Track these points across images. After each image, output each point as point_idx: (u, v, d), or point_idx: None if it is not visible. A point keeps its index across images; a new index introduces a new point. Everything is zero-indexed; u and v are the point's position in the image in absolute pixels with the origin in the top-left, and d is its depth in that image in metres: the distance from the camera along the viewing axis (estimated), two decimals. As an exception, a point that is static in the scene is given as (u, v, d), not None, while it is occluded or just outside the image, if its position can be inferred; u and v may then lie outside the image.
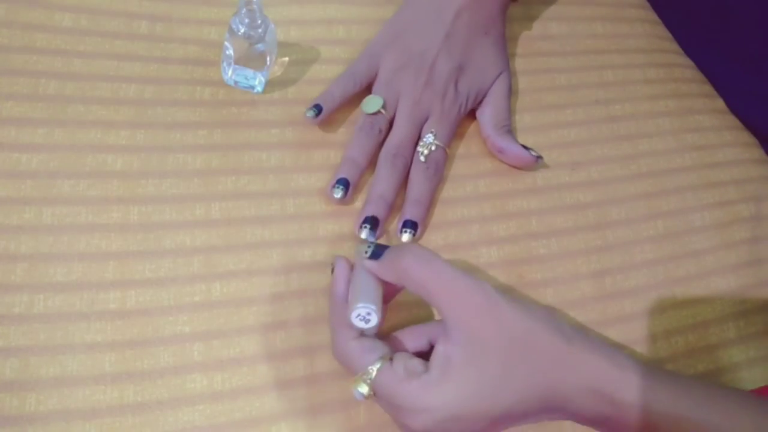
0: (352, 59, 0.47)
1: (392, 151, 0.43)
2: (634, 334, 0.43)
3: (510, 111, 0.48)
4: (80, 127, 0.41)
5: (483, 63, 0.47)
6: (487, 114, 0.47)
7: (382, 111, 0.44)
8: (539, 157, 0.45)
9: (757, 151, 0.53)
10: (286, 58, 0.47)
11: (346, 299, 0.36)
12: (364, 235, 0.41)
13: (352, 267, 0.37)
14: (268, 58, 0.43)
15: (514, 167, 0.47)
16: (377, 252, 0.36)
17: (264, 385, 0.37)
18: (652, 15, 0.58)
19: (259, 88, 0.44)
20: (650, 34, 0.57)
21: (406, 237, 0.42)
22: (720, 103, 0.55)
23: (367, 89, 0.46)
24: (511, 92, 0.48)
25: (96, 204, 0.39)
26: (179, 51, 0.45)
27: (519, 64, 0.51)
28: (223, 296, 0.38)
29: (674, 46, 0.57)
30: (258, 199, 0.41)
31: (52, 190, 0.38)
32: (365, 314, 0.34)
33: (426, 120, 0.45)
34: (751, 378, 0.44)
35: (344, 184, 0.42)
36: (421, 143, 0.44)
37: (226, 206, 0.41)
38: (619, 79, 0.53)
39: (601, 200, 0.47)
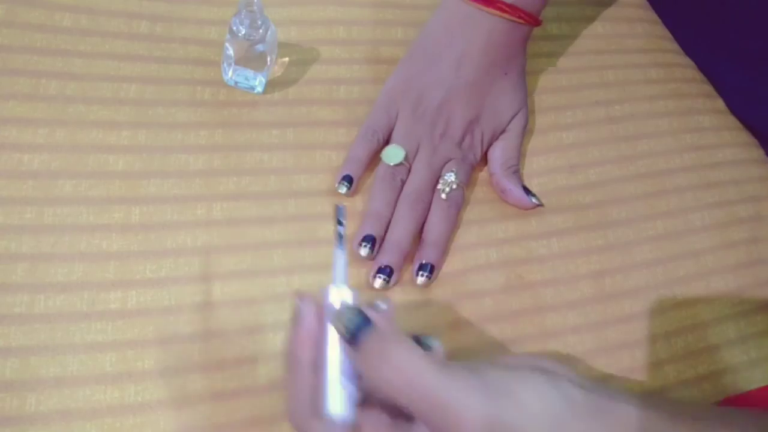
0: (352, 59, 0.47)
1: (412, 196, 0.42)
2: (633, 334, 0.43)
3: (520, 151, 0.47)
4: (81, 127, 0.41)
5: (500, 105, 0.46)
6: (497, 152, 0.46)
7: (404, 162, 0.43)
8: (539, 205, 0.45)
9: (757, 152, 0.53)
10: (287, 59, 0.47)
11: (312, 363, 0.30)
12: (377, 284, 0.40)
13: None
14: (268, 59, 0.43)
15: (514, 206, 0.46)
16: (357, 331, 0.29)
17: (263, 385, 0.37)
18: (652, 15, 0.58)
19: (259, 89, 0.44)
20: (650, 34, 0.57)
21: (421, 280, 0.41)
22: (720, 103, 0.55)
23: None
24: (525, 131, 0.47)
25: (97, 204, 0.39)
26: (179, 51, 0.45)
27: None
28: (224, 296, 0.38)
29: (674, 46, 0.57)
30: (259, 200, 0.41)
31: (54, 190, 0.39)
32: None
33: (444, 164, 0.44)
34: (751, 378, 0.44)
35: (371, 241, 0.41)
36: (442, 181, 0.43)
37: (227, 207, 0.41)
38: (620, 80, 0.53)
39: (601, 201, 0.47)
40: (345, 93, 0.47)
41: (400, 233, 0.41)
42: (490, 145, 0.46)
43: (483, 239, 0.44)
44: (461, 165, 0.44)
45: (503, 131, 0.46)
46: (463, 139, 0.45)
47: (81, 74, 0.42)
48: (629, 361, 0.42)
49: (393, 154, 0.43)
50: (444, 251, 0.42)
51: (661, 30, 0.58)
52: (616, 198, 0.47)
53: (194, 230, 0.40)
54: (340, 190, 0.42)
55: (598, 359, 0.42)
